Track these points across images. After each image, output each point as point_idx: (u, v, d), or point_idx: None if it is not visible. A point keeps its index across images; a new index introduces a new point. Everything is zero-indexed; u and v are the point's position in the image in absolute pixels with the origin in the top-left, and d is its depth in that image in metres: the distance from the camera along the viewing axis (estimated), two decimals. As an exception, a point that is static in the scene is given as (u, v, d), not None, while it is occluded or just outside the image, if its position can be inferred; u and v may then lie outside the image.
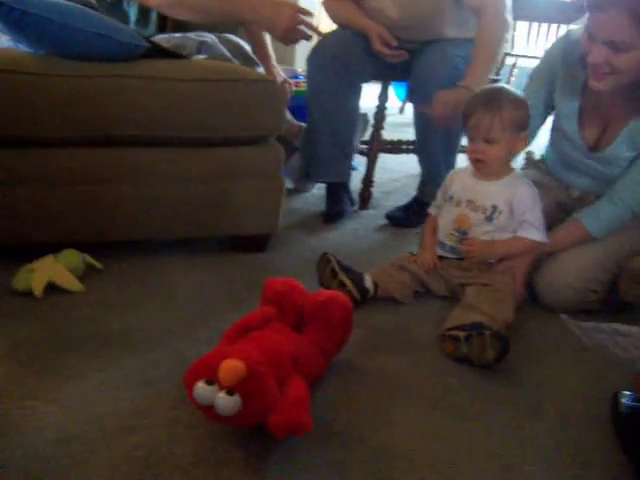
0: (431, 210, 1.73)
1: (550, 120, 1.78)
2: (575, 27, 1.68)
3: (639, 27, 1.33)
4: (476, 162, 1.56)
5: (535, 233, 1.56)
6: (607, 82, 1.45)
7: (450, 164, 2.06)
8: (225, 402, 0.95)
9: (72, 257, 1.55)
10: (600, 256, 1.59)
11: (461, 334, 1.35)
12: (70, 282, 1.50)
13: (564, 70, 1.64)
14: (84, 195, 1.58)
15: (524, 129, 1.54)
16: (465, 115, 1.55)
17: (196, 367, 1.01)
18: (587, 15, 1.43)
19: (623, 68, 1.41)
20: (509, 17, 1.94)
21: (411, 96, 2.10)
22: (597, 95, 1.53)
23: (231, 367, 0.96)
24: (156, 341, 1.33)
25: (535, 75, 1.74)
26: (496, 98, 1.51)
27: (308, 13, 1.76)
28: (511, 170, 1.61)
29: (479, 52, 1.90)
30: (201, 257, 1.76)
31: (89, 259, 1.58)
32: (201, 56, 1.89)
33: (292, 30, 1.72)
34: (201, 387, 0.96)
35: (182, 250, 1.77)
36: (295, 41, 1.76)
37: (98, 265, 1.59)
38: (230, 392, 0.95)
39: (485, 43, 1.90)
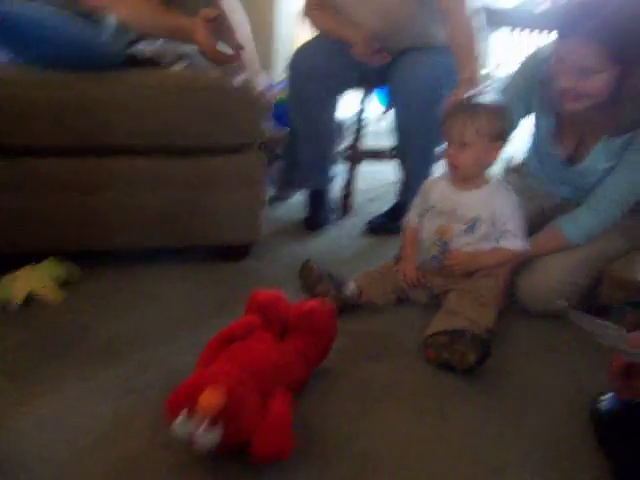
0: (409, 219, 1.72)
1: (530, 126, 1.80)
2: (544, 45, 1.71)
3: (607, 54, 1.36)
4: (451, 167, 1.57)
5: (517, 242, 1.57)
6: (577, 104, 1.48)
7: (430, 169, 2.07)
8: (205, 436, 0.96)
9: (54, 266, 1.54)
10: (582, 261, 1.61)
11: (442, 339, 1.36)
12: (51, 291, 1.49)
13: (538, 87, 1.65)
14: (67, 204, 1.57)
15: (500, 139, 1.54)
16: (442, 119, 1.56)
17: (177, 396, 1.02)
18: (557, 39, 1.44)
19: (592, 91, 1.43)
20: (474, 24, 1.99)
21: (391, 101, 2.11)
22: (571, 112, 1.55)
23: (211, 398, 0.97)
24: (139, 349, 1.33)
25: (511, 88, 1.73)
26: (473, 105, 1.53)
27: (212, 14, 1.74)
28: (489, 179, 1.61)
29: (459, 52, 1.90)
30: (184, 265, 1.76)
31: (71, 268, 1.57)
32: (181, 64, 1.89)
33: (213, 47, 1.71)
34: (181, 421, 0.97)
35: (165, 258, 1.76)
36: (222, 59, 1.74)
37: (79, 274, 1.58)
38: (211, 424, 0.96)
39: (462, 44, 1.92)
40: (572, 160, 1.66)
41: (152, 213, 1.65)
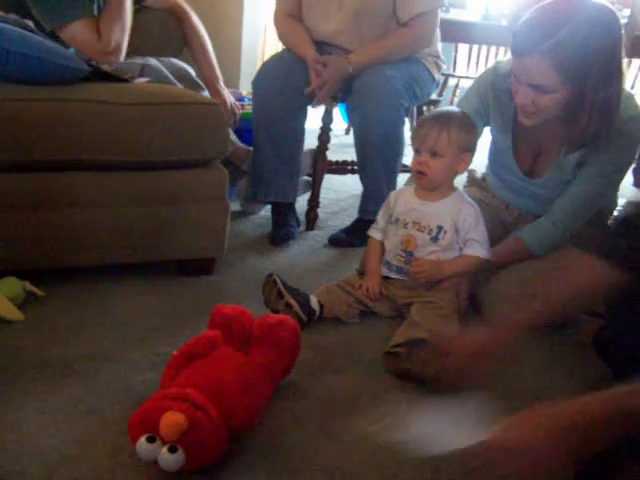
0: (373, 233, 1.73)
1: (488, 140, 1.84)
2: (503, 59, 1.75)
3: (560, 73, 1.40)
4: (419, 175, 1.59)
5: (481, 250, 1.60)
6: (534, 119, 1.52)
7: (392, 183, 2.10)
8: (168, 460, 0.96)
9: (11, 285, 1.51)
10: (542, 270, 1.64)
11: (402, 350, 1.37)
12: (9, 311, 1.46)
13: (495, 102, 1.69)
14: (25, 221, 1.55)
15: (469, 150, 1.58)
16: (414, 130, 1.59)
17: (138, 419, 1.01)
18: (513, 58, 1.48)
19: (547, 107, 1.47)
20: (434, 38, 2.09)
21: (350, 116, 2.14)
22: (528, 127, 1.59)
23: (172, 422, 0.96)
24: (99, 368, 1.31)
25: (466, 105, 1.76)
26: (446, 115, 1.57)
27: None
28: (454, 189, 1.64)
29: (380, 44, 2.07)
30: (147, 281, 1.74)
31: (30, 286, 1.54)
32: (144, 79, 1.89)
33: None
34: (144, 445, 0.97)
35: (127, 274, 1.74)
36: None
37: (39, 292, 1.55)
38: (173, 448, 0.96)
39: (395, 45, 2.08)
40: (531, 174, 1.70)
41: (114, 229, 1.64)
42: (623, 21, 2.98)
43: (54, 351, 1.36)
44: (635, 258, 1.12)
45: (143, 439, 0.97)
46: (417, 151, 1.59)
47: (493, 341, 1.19)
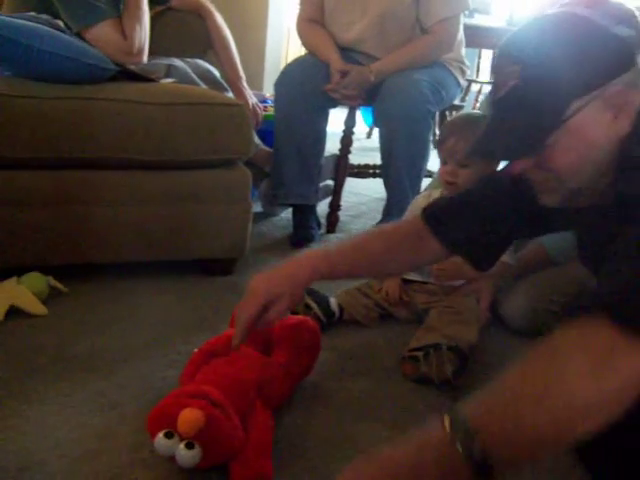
0: None
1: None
2: None
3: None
4: (447, 184, 1.59)
5: (503, 255, 1.59)
6: None
7: (416, 188, 2.10)
8: (185, 456, 0.97)
9: (36, 280, 1.53)
10: (565, 279, 1.63)
11: (420, 354, 1.37)
12: (33, 305, 1.48)
13: None
14: (50, 217, 1.57)
15: None
16: (441, 138, 1.59)
17: (156, 415, 1.02)
18: None
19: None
20: (457, 43, 2.09)
21: (376, 121, 2.14)
22: None
23: (190, 418, 0.97)
24: (121, 364, 1.32)
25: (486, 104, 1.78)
26: (472, 124, 1.56)
27: None
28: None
29: (402, 52, 2.07)
30: (168, 280, 1.76)
31: (53, 282, 1.56)
32: (169, 80, 1.91)
33: None
34: (162, 440, 0.97)
35: (149, 272, 1.76)
36: None
37: (63, 288, 1.58)
38: (190, 444, 0.96)
39: (417, 53, 2.08)
40: None
41: (137, 227, 1.66)
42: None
43: (76, 346, 1.37)
44: None
45: (161, 435, 0.98)
46: (445, 161, 1.58)
47: None
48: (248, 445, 1.03)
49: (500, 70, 0.91)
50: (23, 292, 1.48)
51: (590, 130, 0.86)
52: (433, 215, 1.17)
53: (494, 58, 0.97)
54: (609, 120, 0.86)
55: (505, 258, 1.58)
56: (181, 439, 0.97)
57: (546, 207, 0.96)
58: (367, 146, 3.96)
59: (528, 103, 0.86)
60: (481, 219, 1.12)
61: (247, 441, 1.04)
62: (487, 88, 4.34)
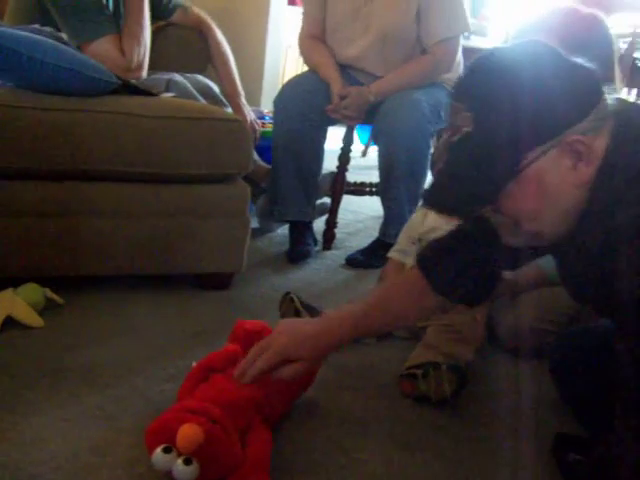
0: (393, 255, 1.74)
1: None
2: None
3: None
4: None
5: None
6: None
7: (413, 207, 2.10)
8: (183, 472, 0.96)
9: (32, 291, 1.52)
10: (561, 299, 1.63)
11: (418, 372, 1.37)
12: (29, 317, 1.47)
13: None
14: (47, 229, 1.56)
15: None
16: (436, 157, 1.59)
17: (155, 429, 1.01)
18: None
19: None
20: (455, 64, 2.13)
21: (376, 139, 2.15)
22: None
23: (189, 434, 0.96)
24: (117, 377, 1.31)
25: None
26: None
27: None
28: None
29: (402, 72, 2.10)
30: (166, 293, 1.75)
31: (50, 294, 1.55)
32: (169, 94, 1.91)
33: None
34: (159, 455, 0.97)
35: (146, 286, 1.75)
36: None
37: (59, 300, 1.57)
38: (188, 460, 0.96)
39: (417, 73, 2.10)
40: None
41: (134, 241, 1.65)
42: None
43: (73, 359, 1.36)
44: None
45: (159, 450, 0.97)
46: None
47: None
48: (246, 461, 1.03)
49: (454, 113, 0.88)
50: (19, 303, 1.47)
51: (547, 178, 0.84)
52: (423, 258, 1.17)
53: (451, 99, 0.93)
54: (568, 168, 0.83)
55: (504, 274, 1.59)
56: (179, 454, 0.96)
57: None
58: (362, 164, 3.97)
59: (481, 152, 0.83)
60: (470, 257, 1.11)
61: (245, 457, 1.03)
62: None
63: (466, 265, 1.12)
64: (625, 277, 0.76)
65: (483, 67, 0.87)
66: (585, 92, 0.84)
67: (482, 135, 0.83)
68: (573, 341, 1.27)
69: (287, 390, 1.21)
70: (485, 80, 0.86)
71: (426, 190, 0.92)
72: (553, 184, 0.84)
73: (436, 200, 0.94)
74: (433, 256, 1.17)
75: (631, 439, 0.77)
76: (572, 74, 0.84)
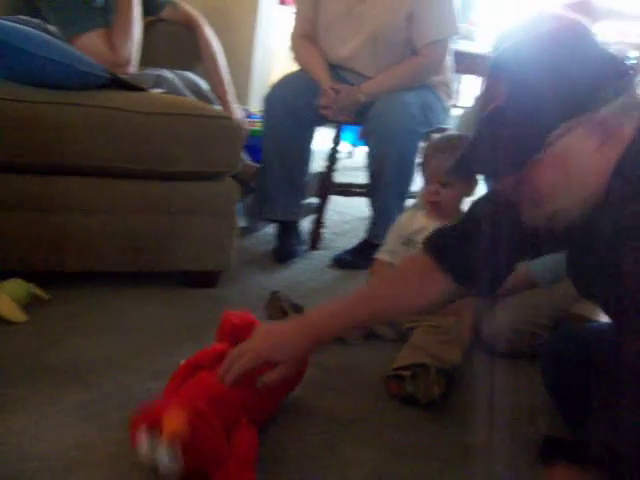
0: (381, 256, 1.74)
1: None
2: None
3: None
4: (430, 204, 1.61)
5: None
6: None
7: (401, 208, 2.11)
8: (166, 457, 0.95)
9: (17, 286, 1.50)
10: (546, 301, 1.65)
11: (406, 373, 1.37)
12: (13, 312, 1.45)
13: None
14: (33, 223, 1.55)
15: None
16: (424, 159, 1.60)
17: (141, 416, 1.00)
18: None
19: None
20: (443, 66, 2.15)
21: (365, 140, 2.15)
22: None
23: (175, 416, 0.95)
24: (102, 374, 1.30)
25: (466, 128, 1.79)
26: (451, 144, 1.58)
27: None
28: (463, 211, 1.66)
29: (392, 73, 2.09)
30: (152, 290, 1.73)
31: (35, 289, 1.53)
32: (158, 90, 1.90)
33: None
34: (144, 434, 0.96)
35: (133, 283, 1.74)
36: None
37: (44, 295, 1.55)
38: (171, 446, 0.95)
39: (407, 74, 2.10)
40: None
41: (122, 236, 1.64)
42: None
43: (57, 355, 1.34)
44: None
45: (144, 428, 0.96)
46: (427, 182, 1.61)
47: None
48: (231, 459, 1.02)
49: (489, 87, 0.92)
50: (3, 298, 1.45)
51: (571, 156, 0.86)
52: (435, 245, 1.17)
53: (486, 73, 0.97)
54: (592, 149, 0.85)
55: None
56: (163, 442, 0.95)
57: (537, 231, 0.97)
58: (349, 165, 3.97)
59: (513, 123, 0.86)
60: (482, 245, 1.11)
61: (231, 455, 1.02)
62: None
63: (481, 248, 1.11)
64: (629, 277, 0.77)
65: (522, 43, 0.91)
66: (616, 76, 0.86)
67: (515, 106, 0.86)
68: (565, 339, 1.28)
69: (274, 390, 1.20)
70: (523, 54, 0.89)
71: (458, 158, 0.94)
72: (576, 163, 0.86)
73: (466, 166, 0.97)
74: (444, 239, 1.17)
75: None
76: (606, 58, 0.87)
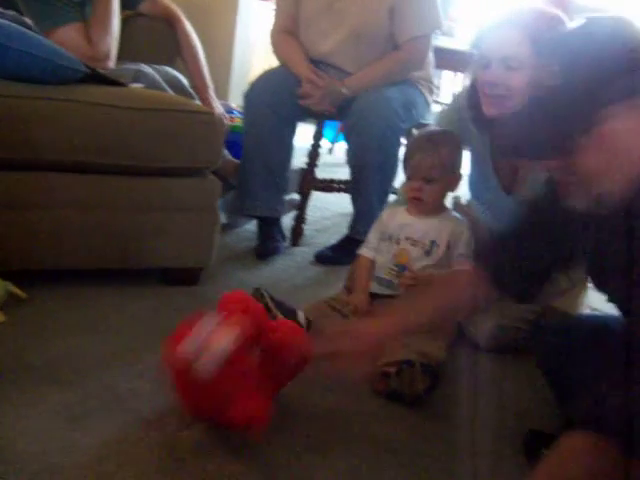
0: (363, 252, 1.73)
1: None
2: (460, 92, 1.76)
3: (531, 45, 1.43)
4: (413, 200, 1.60)
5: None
6: (502, 107, 1.52)
7: (383, 204, 2.10)
8: (224, 339, 1.02)
9: (-6, 285, 1.47)
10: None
11: (392, 369, 1.36)
12: (-9, 312, 1.42)
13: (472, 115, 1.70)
14: (9, 220, 1.51)
15: (458, 167, 1.61)
16: (407, 155, 1.60)
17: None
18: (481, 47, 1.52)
19: (516, 87, 1.48)
20: (426, 62, 2.14)
21: (347, 136, 2.14)
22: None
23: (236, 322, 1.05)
24: (83, 374, 1.27)
25: (447, 122, 1.77)
26: (434, 140, 1.58)
27: None
28: (445, 207, 1.66)
29: (374, 69, 2.08)
30: (132, 289, 1.71)
31: (12, 288, 1.49)
32: (138, 85, 1.87)
33: None
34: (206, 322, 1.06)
35: (112, 281, 1.71)
36: None
37: (22, 294, 1.51)
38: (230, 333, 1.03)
39: (389, 70, 2.09)
40: (509, 190, 1.71)
41: (101, 233, 1.61)
42: None
43: (36, 355, 1.32)
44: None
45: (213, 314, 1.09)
46: (410, 178, 1.60)
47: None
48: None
49: (540, 69, 0.94)
50: (-22, 298, 1.42)
51: (619, 138, 0.88)
52: (481, 255, 1.23)
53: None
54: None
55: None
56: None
57: (572, 224, 1.01)
58: (329, 162, 3.96)
59: (562, 104, 0.88)
60: (524, 250, 1.15)
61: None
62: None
63: (523, 252, 1.15)
64: None
65: (579, 29, 0.94)
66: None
67: (566, 88, 0.88)
68: (562, 328, 1.32)
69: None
70: (578, 39, 0.93)
71: (504, 138, 0.98)
72: (622, 145, 0.88)
73: (515, 147, 0.98)
74: (491, 250, 1.22)
75: None
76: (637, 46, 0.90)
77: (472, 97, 1.59)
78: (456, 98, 1.79)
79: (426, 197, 1.59)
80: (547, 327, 1.38)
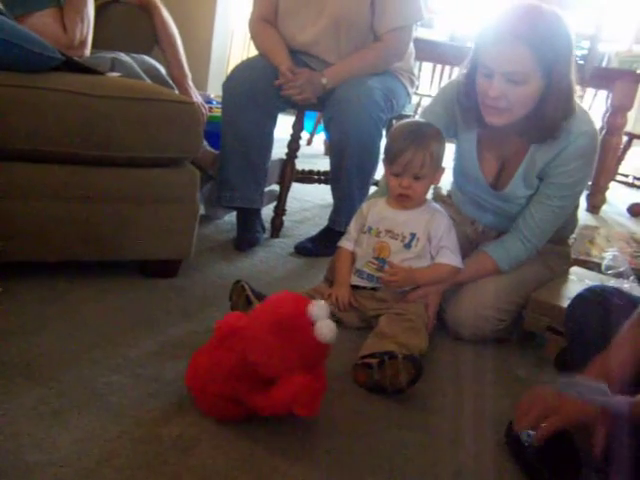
0: (344, 244, 1.72)
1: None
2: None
3: (536, 60, 1.43)
4: (401, 197, 1.59)
5: (453, 258, 1.61)
6: (504, 117, 1.53)
7: (364, 196, 2.09)
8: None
9: (-33, 278, 1.43)
10: (508, 287, 1.66)
11: (374, 361, 1.36)
12: (-37, 305, 1.38)
13: (459, 111, 1.70)
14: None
15: (442, 161, 1.61)
16: (395, 152, 1.57)
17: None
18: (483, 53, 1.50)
19: (520, 102, 1.49)
20: (407, 53, 2.15)
21: (327, 127, 2.12)
22: (492, 129, 1.60)
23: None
24: (60, 368, 1.25)
25: (431, 116, 1.75)
26: (420, 135, 1.56)
27: None
28: (426, 199, 1.66)
29: (354, 59, 2.08)
30: (109, 280, 1.68)
31: (-14, 281, 1.47)
32: (115, 74, 1.84)
33: None
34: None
35: (89, 273, 1.68)
36: None
37: (-3, 287, 1.48)
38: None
39: (369, 61, 2.09)
40: (495, 186, 1.71)
41: (78, 225, 1.57)
42: (582, 52, 3.11)
43: (12, 349, 1.28)
44: None
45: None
46: (399, 175, 1.58)
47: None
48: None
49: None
50: (-48, 291, 1.38)
51: None
52: None
53: None
54: None
55: (454, 260, 1.61)
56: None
57: None
58: (308, 153, 3.95)
59: None
60: None
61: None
62: (427, 100, 4.42)
63: None
64: None
65: None
66: None
67: None
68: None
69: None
70: None
71: None
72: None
73: None
74: None
75: None
76: None
77: (468, 94, 1.59)
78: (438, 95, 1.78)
79: (414, 193, 1.58)
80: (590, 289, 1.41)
